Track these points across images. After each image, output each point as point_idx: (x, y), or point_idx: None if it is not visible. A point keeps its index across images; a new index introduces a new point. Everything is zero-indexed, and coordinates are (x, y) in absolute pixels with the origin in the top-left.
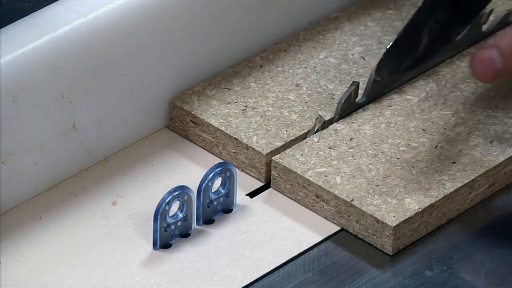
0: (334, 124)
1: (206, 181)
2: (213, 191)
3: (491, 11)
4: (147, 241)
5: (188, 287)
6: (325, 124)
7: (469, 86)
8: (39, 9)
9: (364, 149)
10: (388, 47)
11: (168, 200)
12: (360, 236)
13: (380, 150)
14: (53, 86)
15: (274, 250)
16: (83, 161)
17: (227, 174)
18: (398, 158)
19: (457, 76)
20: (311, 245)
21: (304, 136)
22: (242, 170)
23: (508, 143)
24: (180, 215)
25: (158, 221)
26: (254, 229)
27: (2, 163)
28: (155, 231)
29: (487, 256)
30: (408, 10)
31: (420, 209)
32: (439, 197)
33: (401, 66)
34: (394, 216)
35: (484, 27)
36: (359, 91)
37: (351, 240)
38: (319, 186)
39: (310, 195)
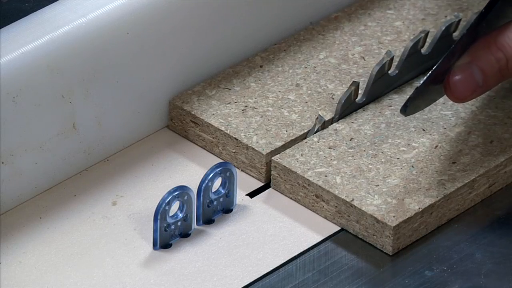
0: (334, 124)
1: (206, 181)
2: (213, 191)
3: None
4: (147, 241)
5: (188, 287)
6: (325, 124)
7: None
8: (39, 9)
9: (364, 149)
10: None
11: (168, 200)
12: (360, 236)
13: (380, 150)
14: (53, 86)
15: (274, 250)
16: (83, 161)
17: (227, 174)
18: (398, 158)
19: None
20: (311, 245)
21: (304, 136)
22: (242, 170)
23: (508, 143)
24: (180, 215)
25: (158, 221)
26: (254, 229)
27: (2, 163)
28: (155, 231)
29: (487, 256)
30: (408, 10)
31: (420, 209)
32: (439, 197)
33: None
34: (394, 216)
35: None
36: (359, 91)
37: (351, 240)
38: (319, 186)
39: (310, 195)
